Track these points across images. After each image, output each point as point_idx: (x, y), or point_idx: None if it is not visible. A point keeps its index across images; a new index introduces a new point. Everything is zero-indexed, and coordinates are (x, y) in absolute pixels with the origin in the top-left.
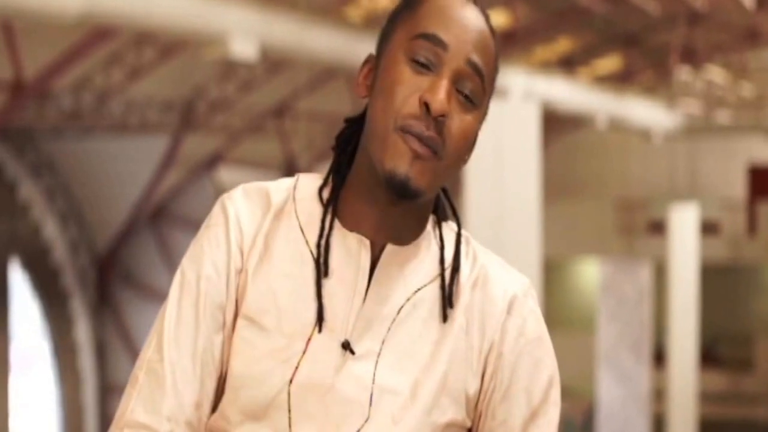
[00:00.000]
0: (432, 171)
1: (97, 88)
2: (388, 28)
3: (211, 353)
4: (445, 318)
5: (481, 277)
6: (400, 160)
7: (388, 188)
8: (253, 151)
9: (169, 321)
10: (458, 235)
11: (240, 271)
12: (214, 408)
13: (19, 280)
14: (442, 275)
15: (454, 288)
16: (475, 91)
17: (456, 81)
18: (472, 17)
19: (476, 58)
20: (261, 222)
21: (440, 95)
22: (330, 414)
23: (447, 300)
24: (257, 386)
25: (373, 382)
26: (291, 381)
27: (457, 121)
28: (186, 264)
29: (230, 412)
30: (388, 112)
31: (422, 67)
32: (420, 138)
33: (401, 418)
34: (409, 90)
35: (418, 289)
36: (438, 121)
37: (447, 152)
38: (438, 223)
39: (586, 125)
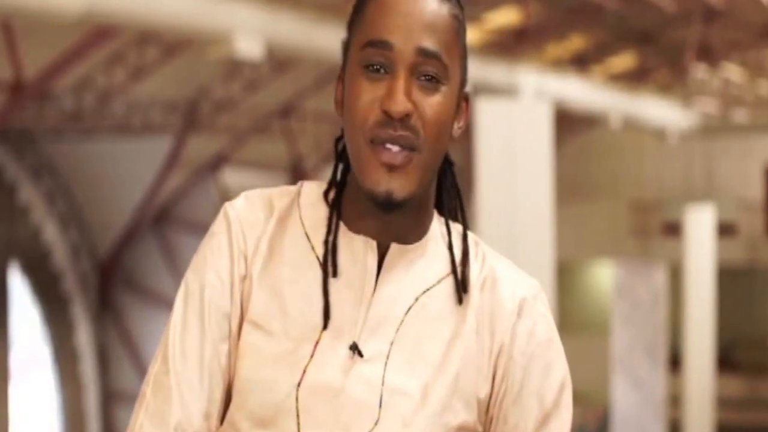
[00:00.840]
0: (415, 171)
1: (98, 88)
2: (347, 38)
3: (218, 362)
4: (460, 300)
5: (490, 279)
6: (375, 176)
7: (374, 203)
8: (258, 152)
9: (174, 333)
10: (464, 234)
11: (244, 278)
12: (224, 417)
13: (18, 285)
14: (454, 270)
15: (467, 278)
16: (437, 71)
17: (413, 72)
18: (416, 2)
19: (426, 43)
20: (264, 227)
21: (397, 97)
22: (339, 417)
23: (461, 285)
24: (264, 391)
25: (383, 384)
26: (299, 385)
27: (427, 107)
28: (189, 275)
29: (238, 418)
30: (355, 128)
31: (376, 73)
32: (392, 142)
33: (412, 420)
34: (369, 99)
35: (427, 289)
36: (404, 121)
37: (426, 142)
38: (446, 223)
39: (599, 125)
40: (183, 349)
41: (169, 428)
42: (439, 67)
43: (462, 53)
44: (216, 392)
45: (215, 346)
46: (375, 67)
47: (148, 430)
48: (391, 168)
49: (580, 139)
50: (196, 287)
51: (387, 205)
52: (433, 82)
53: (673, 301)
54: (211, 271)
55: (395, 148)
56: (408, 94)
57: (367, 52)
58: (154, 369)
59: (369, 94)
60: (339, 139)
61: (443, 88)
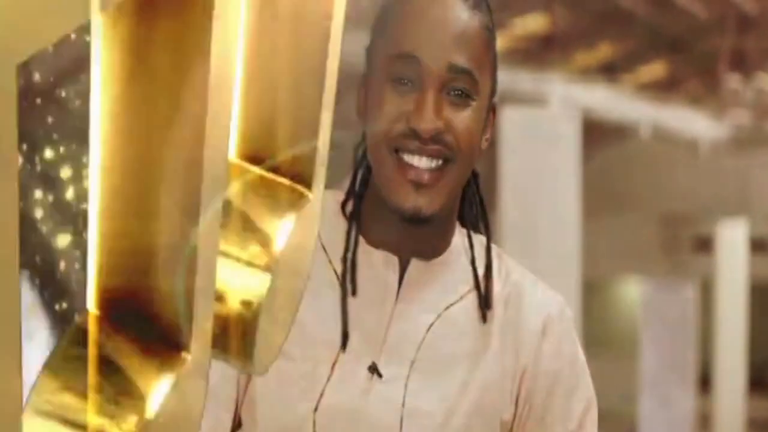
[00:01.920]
0: (443, 188)
1: None
2: (370, 45)
3: (224, 384)
4: (484, 319)
5: (514, 294)
6: (402, 193)
7: (399, 218)
8: None
9: None
10: (488, 247)
11: None
12: None
13: (27, 295)
14: (477, 285)
15: (491, 294)
16: (467, 86)
17: (442, 88)
18: (445, 12)
19: (457, 59)
20: None
21: (427, 115)
22: None
23: (484, 301)
24: (281, 413)
25: (403, 406)
26: (316, 409)
27: (458, 123)
28: None
29: None
30: (379, 138)
31: (404, 85)
32: (421, 153)
33: None
34: (396, 112)
35: (449, 306)
36: (435, 138)
37: (460, 152)
38: (469, 236)
39: (628, 136)
40: None
41: None
42: (470, 82)
43: (493, 66)
44: (222, 416)
45: (223, 367)
46: (402, 79)
47: None
48: (418, 186)
49: (608, 151)
50: None
51: (413, 220)
52: (463, 97)
53: (704, 319)
54: None
55: (423, 165)
56: (438, 112)
57: (395, 65)
58: None
59: (395, 107)
60: (358, 146)
61: (473, 103)
